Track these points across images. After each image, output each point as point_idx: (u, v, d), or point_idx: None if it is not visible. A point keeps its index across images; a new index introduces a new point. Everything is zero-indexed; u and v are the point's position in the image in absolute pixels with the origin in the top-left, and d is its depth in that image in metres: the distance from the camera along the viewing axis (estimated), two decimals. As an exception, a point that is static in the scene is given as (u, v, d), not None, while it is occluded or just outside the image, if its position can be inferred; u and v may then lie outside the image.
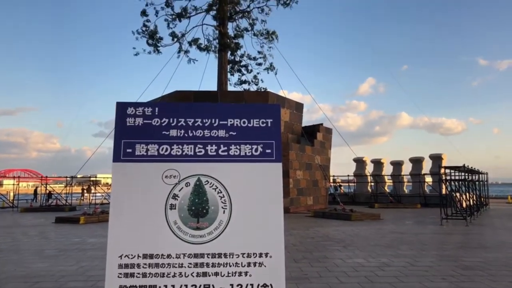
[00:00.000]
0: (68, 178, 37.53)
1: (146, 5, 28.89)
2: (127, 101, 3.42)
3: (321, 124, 30.27)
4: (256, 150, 3.30)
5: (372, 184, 35.00)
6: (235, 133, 3.33)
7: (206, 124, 3.33)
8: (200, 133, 3.31)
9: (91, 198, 40.41)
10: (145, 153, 3.22)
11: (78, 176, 41.68)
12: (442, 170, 20.21)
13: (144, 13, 29.07)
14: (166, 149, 3.24)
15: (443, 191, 22.15)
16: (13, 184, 40.13)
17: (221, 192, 3.16)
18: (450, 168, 20.00)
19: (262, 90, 30.94)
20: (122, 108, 3.32)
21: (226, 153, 3.26)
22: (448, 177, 19.94)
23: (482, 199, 26.34)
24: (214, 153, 3.26)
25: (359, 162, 36.11)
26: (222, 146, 3.28)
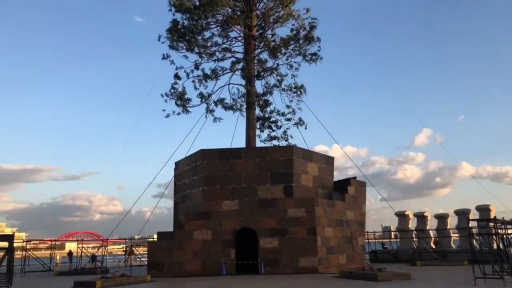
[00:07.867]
0: (127, 240, 39.70)
1: (176, 68, 29.93)
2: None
3: (355, 177, 29.08)
4: None
5: (416, 240, 32.59)
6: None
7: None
8: None
9: (132, 260, 40.48)
10: None
11: (136, 237, 42.04)
12: (491, 224, 18.69)
13: (177, 76, 30.08)
14: None
15: (493, 246, 20.18)
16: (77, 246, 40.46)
17: None
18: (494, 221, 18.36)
19: (292, 146, 30.47)
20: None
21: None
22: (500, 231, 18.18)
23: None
24: None
25: (402, 216, 33.98)
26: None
